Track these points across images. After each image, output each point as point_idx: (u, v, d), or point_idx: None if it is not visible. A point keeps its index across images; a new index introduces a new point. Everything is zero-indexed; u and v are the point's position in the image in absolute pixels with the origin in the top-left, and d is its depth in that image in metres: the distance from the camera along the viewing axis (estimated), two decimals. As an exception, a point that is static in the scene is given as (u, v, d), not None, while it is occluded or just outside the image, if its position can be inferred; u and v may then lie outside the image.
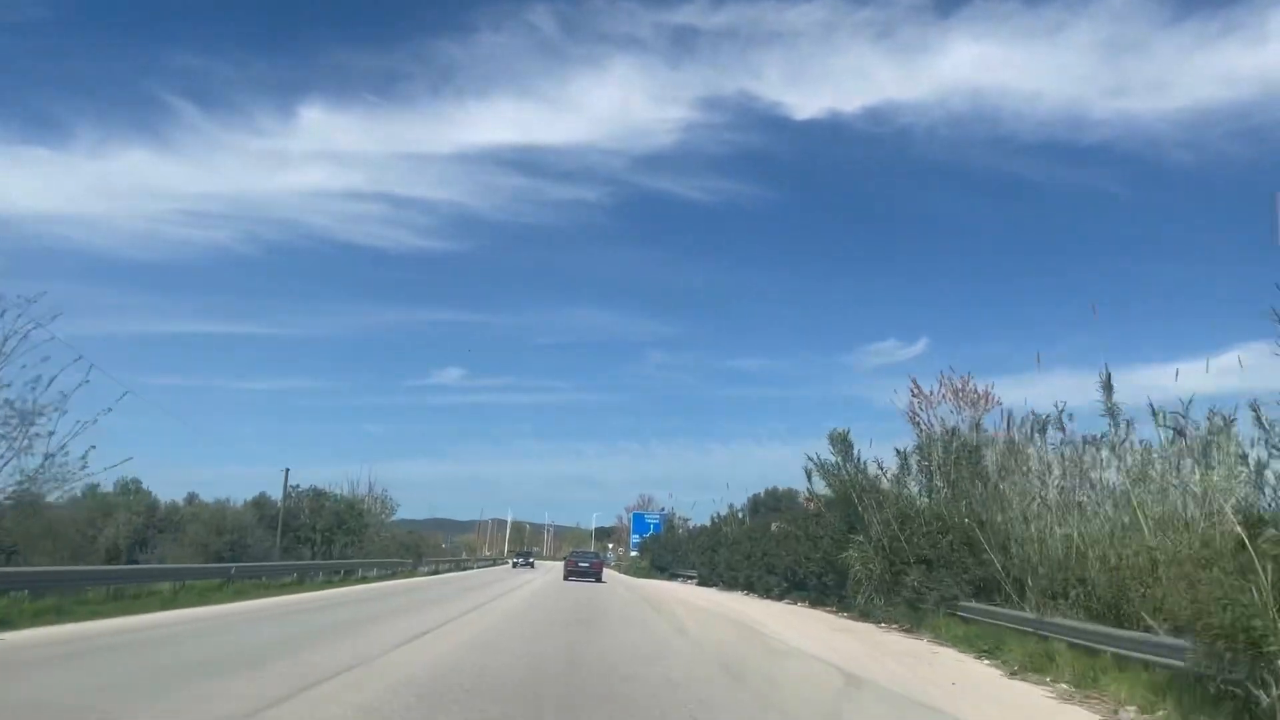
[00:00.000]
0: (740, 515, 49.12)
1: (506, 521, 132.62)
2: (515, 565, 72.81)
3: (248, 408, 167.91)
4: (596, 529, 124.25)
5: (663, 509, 79.11)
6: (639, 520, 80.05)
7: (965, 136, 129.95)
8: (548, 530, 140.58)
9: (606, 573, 51.89)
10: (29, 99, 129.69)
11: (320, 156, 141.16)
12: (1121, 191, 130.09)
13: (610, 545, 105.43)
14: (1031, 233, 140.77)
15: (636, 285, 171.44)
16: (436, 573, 49.99)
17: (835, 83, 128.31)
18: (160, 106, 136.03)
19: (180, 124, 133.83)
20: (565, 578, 43.63)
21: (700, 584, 46.47)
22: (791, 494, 44.51)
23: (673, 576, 54.43)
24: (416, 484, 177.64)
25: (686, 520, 69.24)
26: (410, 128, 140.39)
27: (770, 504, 48.83)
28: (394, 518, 54.07)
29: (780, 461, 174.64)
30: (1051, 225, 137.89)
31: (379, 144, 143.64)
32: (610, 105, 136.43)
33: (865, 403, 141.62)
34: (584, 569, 44.22)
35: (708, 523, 54.95)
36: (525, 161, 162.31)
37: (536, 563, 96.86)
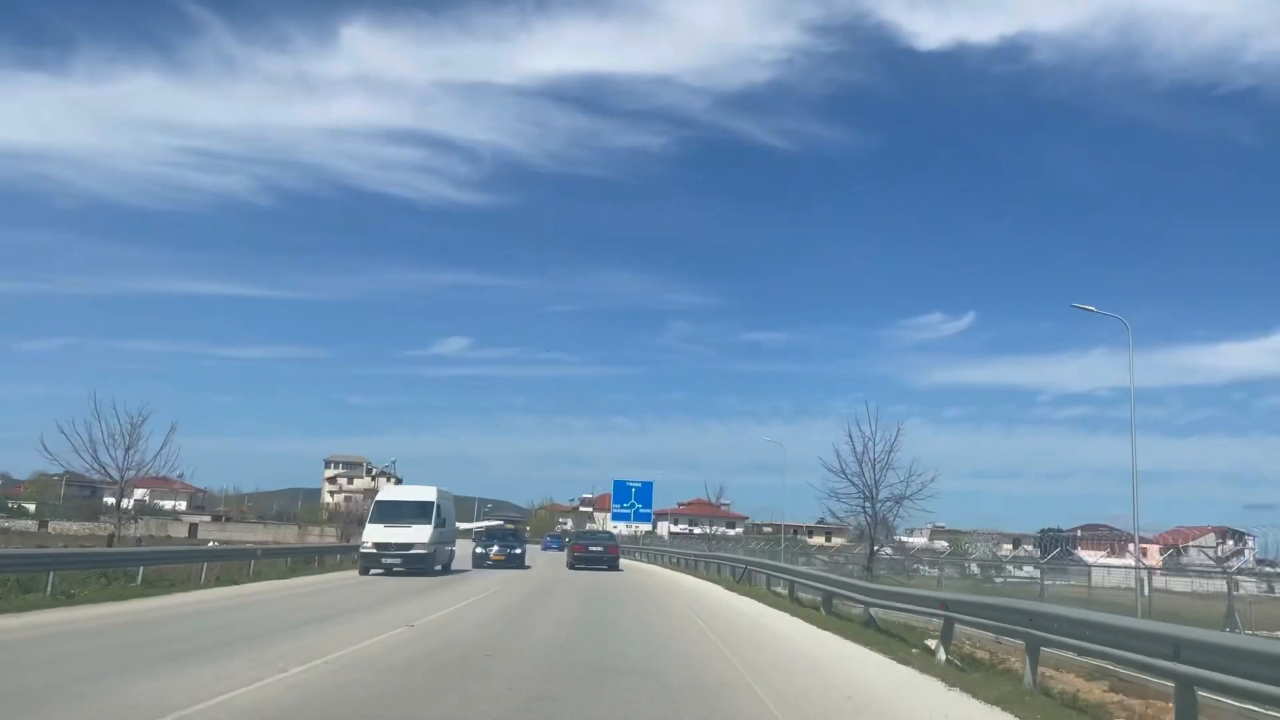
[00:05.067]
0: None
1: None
2: None
3: (228, 377, 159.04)
4: (581, 498, 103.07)
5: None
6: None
7: (1096, 78, 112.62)
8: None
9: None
10: (27, 9, 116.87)
11: (356, 83, 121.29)
12: (1257, 144, 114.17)
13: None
14: (1134, 192, 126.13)
15: (675, 245, 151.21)
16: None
17: (971, 4, 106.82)
18: (179, 18, 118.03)
19: (201, 40, 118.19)
20: (572, 566, 36.15)
21: None
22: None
23: None
24: (410, 461, 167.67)
25: None
26: (462, 51, 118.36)
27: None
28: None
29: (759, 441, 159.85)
30: (1162, 182, 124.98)
31: (424, 70, 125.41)
32: (704, 27, 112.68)
33: (895, 381, 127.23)
34: (596, 554, 36.65)
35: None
36: (589, 99, 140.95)
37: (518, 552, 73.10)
